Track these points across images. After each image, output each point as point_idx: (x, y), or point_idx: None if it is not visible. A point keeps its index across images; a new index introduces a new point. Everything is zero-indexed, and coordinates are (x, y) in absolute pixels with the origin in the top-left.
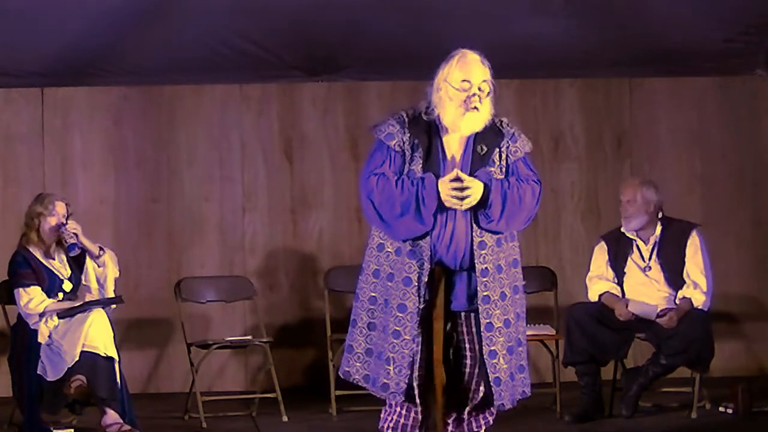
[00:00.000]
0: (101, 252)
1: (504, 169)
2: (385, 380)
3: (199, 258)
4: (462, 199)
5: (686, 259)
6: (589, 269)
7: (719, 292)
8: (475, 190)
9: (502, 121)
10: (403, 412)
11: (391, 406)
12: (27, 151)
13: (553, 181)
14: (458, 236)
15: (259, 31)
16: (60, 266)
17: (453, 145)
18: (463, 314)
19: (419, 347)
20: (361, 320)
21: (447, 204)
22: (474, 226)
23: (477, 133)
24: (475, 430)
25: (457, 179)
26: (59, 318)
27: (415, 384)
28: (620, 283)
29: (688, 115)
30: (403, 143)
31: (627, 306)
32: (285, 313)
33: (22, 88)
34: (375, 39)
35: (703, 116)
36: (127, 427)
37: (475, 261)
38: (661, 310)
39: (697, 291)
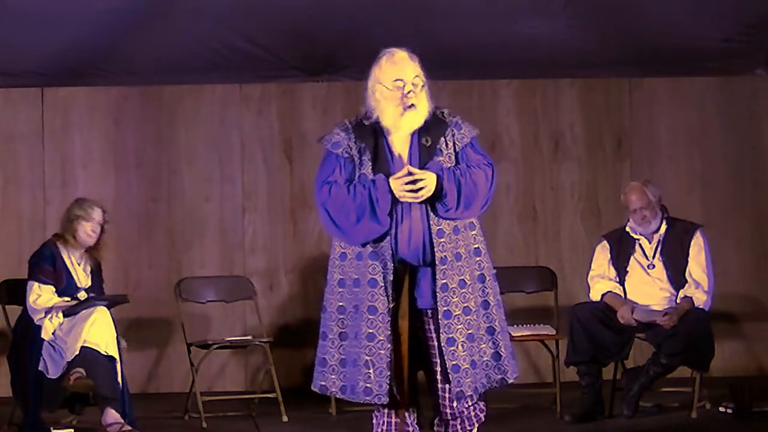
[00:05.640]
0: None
1: (453, 157)
2: (367, 384)
3: (199, 258)
4: (416, 191)
5: (689, 259)
6: (590, 269)
7: (719, 292)
8: (429, 181)
9: (443, 112)
10: (393, 413)
11: (380, 410)
12: (27, 151)
13: (553, 181)
14: (416, 230)
15: (259, 31)
16: (82, 275)
17: (399, 143)
18: (429, 312)
19: (392, 348)
20: (331, 331)
21: (402, 199)
22: (431, 215)
23: (420, 127)
24: (468, 428)
25: (409, 175)
26: (65, 316)
27: (393, 385)
28: (621, 282)
29: (688, 115)
30: (350, 149)
31: (633, 311)
32: (285, 313)
33: (22, 88)
34: (375, 39)
35: (703, 116)
36: (127, 427)
37: (435, 250)
38: (662, 310)
39: (698, 290)
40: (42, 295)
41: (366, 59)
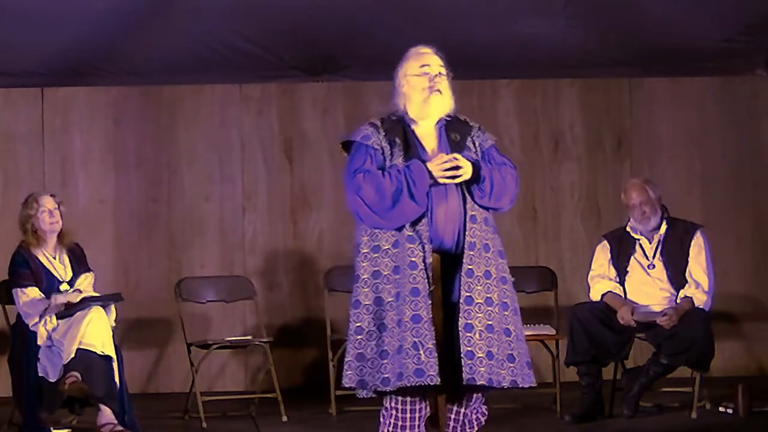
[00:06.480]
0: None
1: (479, 155)
2: (418, 366)
3: (199, 258)
4: (456, 169)
5: (689, 259)
6: (590, 268)
7: (719, 292)
8: (466, 165)
9: (465, 118)
10: (400, 414)
11: (387, 410)
12: (27, 151)
13: (553, 181)
14: (452, 213)
15: (259, 31)
16: (61, 267)
17: (427, 137)
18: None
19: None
20: (367, 325)
21: (441, 181)
22: (468, 200)
23: (447, 124)
24: (468, 431)
25: (448, 161)
26: (58, 319)
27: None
28: (622, 282)
29: (688, 115)
30: (380, 141)
31: (632, 312)
32: (285, 313)
33: (22, 88)
34: (375, 39)
35: (703, 116)
36: (119, 427)
37: (467, 234)
38: (662, 310)
39: (698, 290)
40: (33, 298)
41: (366, 59)
